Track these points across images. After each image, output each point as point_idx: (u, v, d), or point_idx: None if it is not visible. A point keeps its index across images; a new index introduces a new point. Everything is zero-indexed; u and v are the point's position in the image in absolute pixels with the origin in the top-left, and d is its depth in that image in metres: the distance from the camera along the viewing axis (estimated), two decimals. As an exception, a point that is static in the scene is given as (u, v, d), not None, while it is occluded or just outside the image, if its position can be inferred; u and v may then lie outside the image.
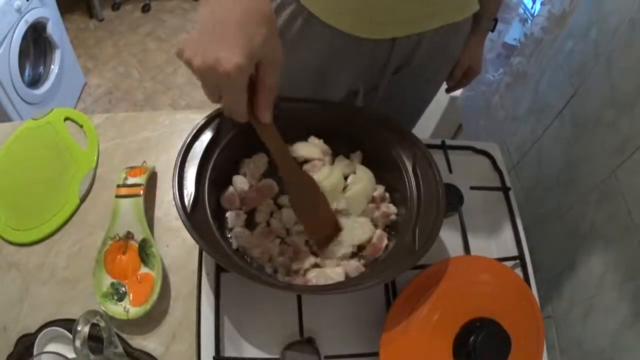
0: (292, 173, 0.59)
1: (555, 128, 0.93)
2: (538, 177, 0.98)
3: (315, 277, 0.60)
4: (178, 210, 0.57)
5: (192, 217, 0.57)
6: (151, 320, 0.65)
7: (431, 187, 0.63)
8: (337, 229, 0.64)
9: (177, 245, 0.71)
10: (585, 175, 0.81)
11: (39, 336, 0.61)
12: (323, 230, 0.63)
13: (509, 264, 0.72)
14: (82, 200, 0.75)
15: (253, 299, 0.64)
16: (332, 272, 0.60)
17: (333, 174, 0.67)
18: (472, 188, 0.78)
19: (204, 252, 0.66)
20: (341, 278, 0.60)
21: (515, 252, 0.74)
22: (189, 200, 0.58)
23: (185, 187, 0.59)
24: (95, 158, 0.79)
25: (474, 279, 0.63)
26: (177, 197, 0.57)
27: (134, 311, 0.63)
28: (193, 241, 0.56)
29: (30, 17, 1.73)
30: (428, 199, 0.62)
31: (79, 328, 0.53)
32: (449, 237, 0.73)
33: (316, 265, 0.62)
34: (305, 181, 0.61)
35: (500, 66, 1.31)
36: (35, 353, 0.60)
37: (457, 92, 1.57)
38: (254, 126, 0.51)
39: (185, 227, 0.56)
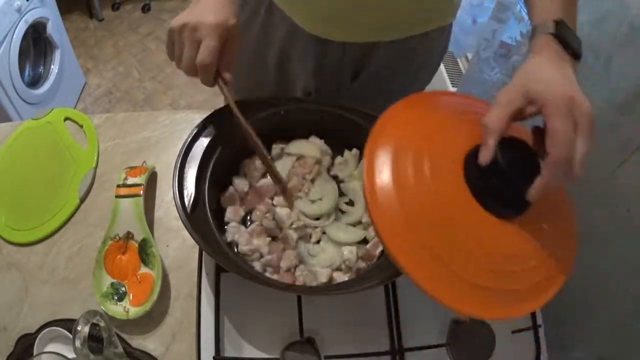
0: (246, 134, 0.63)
1: (555, 128, 0.93)
2: (538, 177, 0.97)
3: (303, 277, 0.60)
4: (178, 210, 0.57)
5: (192, 217, 0.57)
6: (151, 320, 0.65)
7: (431, 187, 0.63)
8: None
9: (177, 245, 0.71)
10: (585, 175, 0.81)
11: (39, 336, 0.61)
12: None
13: (509, 264, 0.72)
14: (82, 200, 0.75)
15: (253, 299, 0.64)
16: (320, 272, 0.61)
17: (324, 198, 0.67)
18: (472, 188, 0.77)
19: (204, 252, 0.66)
20: (325, 279, 0.61)
21: (515, 252, 0.73)
22: (189, 200, 0.58)
23: (185, 187, 0.59)
24: (95, 158, 0.79)
25: (470, 110, 0.52)
26: (177, 197, 0.57)
27: (134, 311, 0.63)
28: (193, 241, 0.56)
29: (30, 17, 1.73)
30: (428, 199, 0.62)
31: (79, 328, 0.53)
32: (449, 237, 0.73)
33: (302, 262, 0.62)
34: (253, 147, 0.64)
35: (496, 65, 1.29)
36: (35, 353, 0.60)
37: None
38: (219, 87, 0.61)
39: (185, 227, 0.56)
